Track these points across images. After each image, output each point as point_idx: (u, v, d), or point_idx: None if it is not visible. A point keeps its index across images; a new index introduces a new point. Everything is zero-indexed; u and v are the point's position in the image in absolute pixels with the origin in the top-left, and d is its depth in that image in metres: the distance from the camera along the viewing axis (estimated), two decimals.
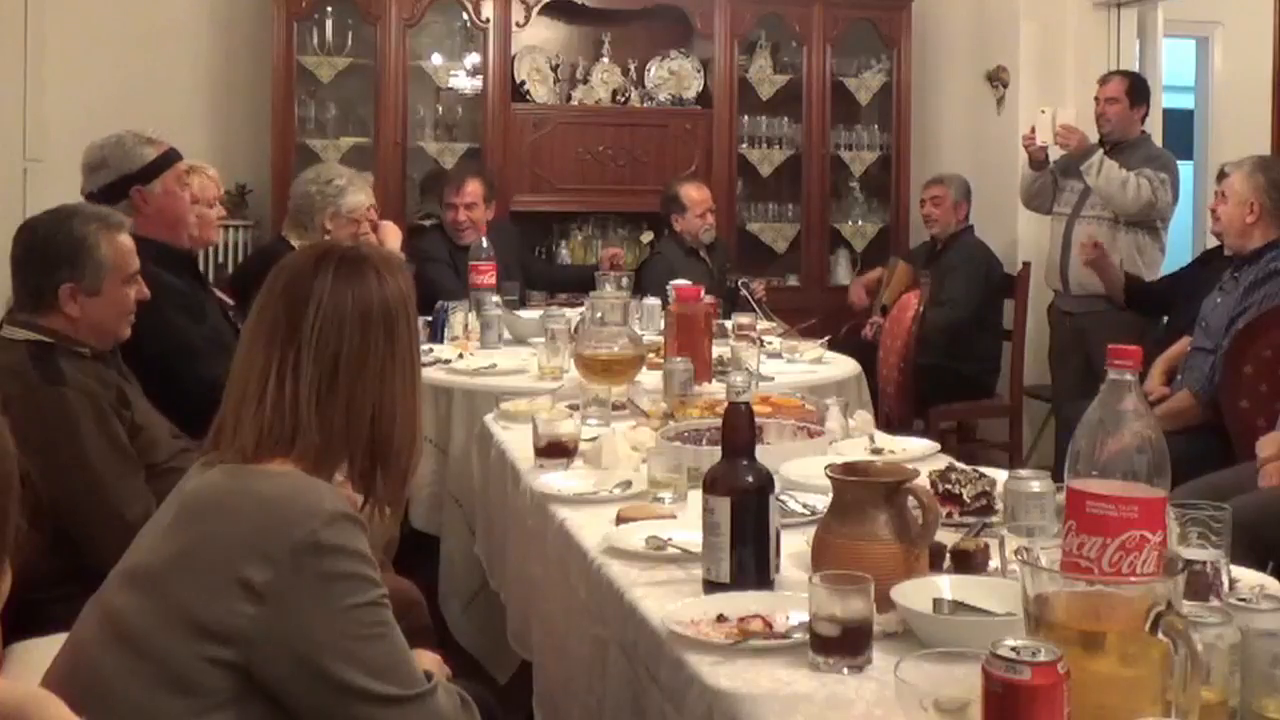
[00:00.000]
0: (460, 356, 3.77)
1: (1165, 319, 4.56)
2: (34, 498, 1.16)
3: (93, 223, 2.44)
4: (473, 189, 5.02)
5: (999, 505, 1.99)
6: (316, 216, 4.08)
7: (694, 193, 5.36)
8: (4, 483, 1.12)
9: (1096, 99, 4.97)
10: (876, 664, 1.49)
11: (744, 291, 4.69)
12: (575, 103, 5.89)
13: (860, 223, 6.28)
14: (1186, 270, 4.58)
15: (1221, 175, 4.25)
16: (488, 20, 5.64)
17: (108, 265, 2.44)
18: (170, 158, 3.16)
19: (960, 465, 2.31)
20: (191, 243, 3.40)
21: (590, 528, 2.10)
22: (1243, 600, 1.41)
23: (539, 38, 5.90)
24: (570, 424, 2.59)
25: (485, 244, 4.48)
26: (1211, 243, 4.59)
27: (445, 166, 5.69)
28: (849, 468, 1.77)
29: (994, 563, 1.76)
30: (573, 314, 3.89)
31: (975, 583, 1.66)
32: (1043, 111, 4.97)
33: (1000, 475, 2.10)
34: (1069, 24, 5.65)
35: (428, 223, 5.43)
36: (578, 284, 4.31)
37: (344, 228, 4.09)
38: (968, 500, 2.04)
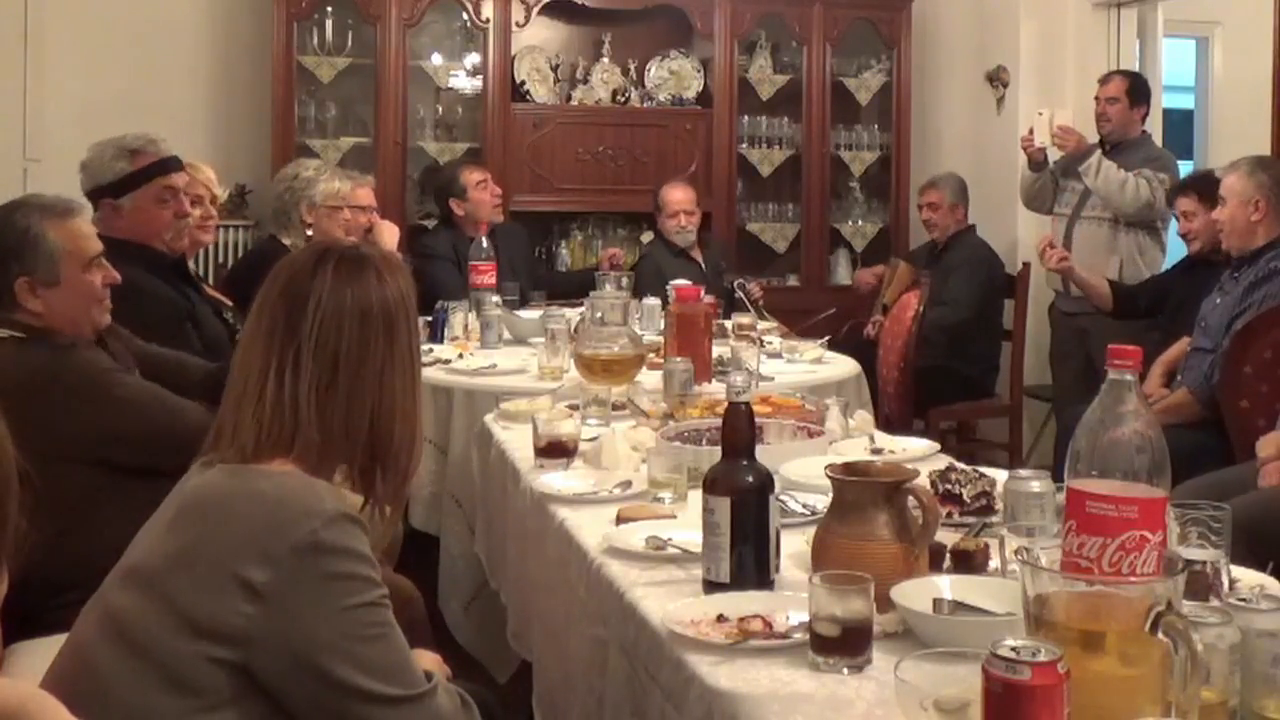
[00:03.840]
0: (460, 356, 3.77)
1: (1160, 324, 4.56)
2: (34, 498, 1.15)
3: (36, 213, 2.37)
4: (484, 170, 5.12)
5: (999, 505, 1.99)
6: (292, 213, 4.11)
7: (671, 194, 5.31)
8: (2, 485, 1.12)
9: (1097, 99, 4.97)
10: (876, 664, 1.48)
11: (740, 293, 4.69)
12: (575, 103, 5.89)
13: (860, 223, 6.28)
14: (1171, 276, 4.56)
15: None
16: (488, 20, 5.64)
17: (59, 253, 2.36)
18: (152, 171, 3.08)
19: (960, 465, 2.31)
20: (182, 248, 3.34)
21: (590, 528, 2.10)
22: (1243, 600, 1.41)
23: (539, 38, 5.90)
24: (570, 424, 2.59)
25: (485, 244, 4.48)
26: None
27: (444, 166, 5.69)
28: (849, 468, 1.77)
29: (994, 563, 1.76)
30: (573, 314, 3.89)
31: (975, 583, 1.66)
32: (1040, 113, 4.97)
33: (1000, 475, 2.10)
34: (1069, 24, 5.64)
35: (430, 222, 5.44)
36: (579, 290, 4.33)
37: (325, 217, 4.09)
38: (968, 500, 2.04)
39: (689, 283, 3.82)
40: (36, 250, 2.35)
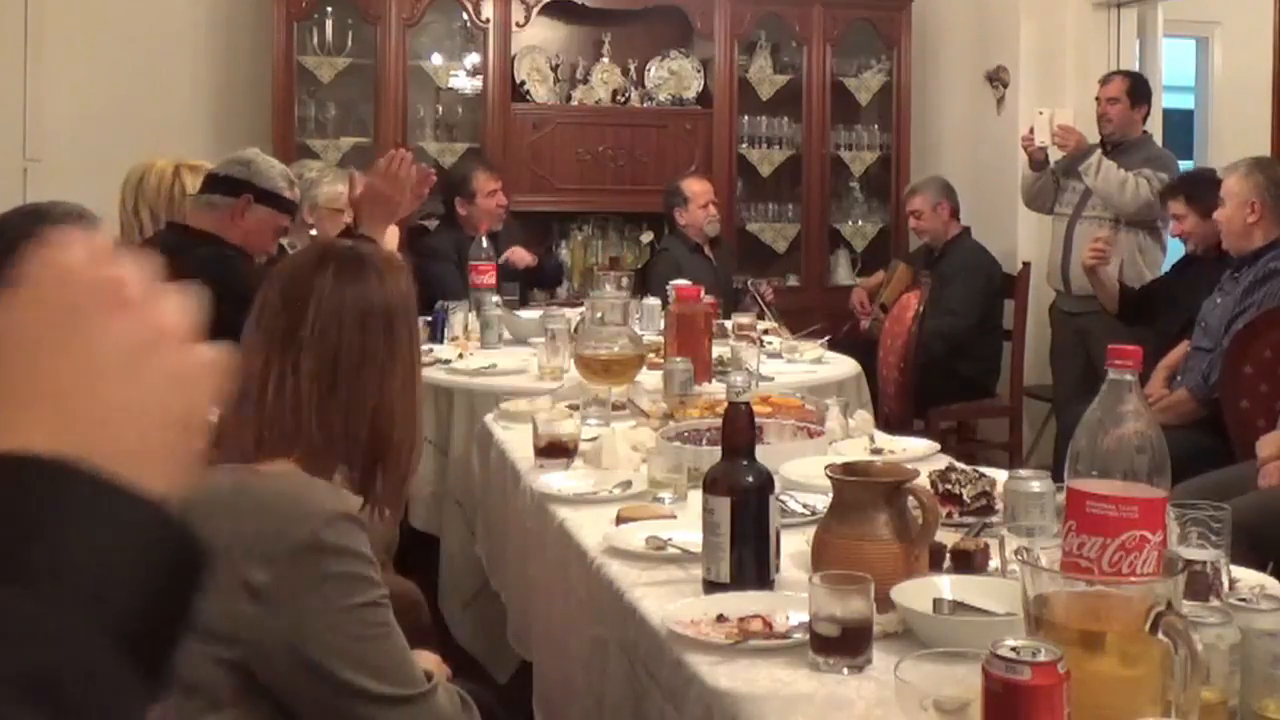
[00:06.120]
0: (460, 356, 3.77)
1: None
2: None
3: (66, 220, 2.34)
4: (497, 178, 5.12)
5: (999, 505, 1.99)
6: (295, 215, 4.12)
7: (695, 185, 5.37)
8: None
9: (1098, 99, 4.96)
10: (876, 664, 1.48)
11: (752, 292, 4.68)
12: (575, 103, 5.89)
13: (860, 223, 6.28)
14: (1167, 277, 4.56)
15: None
16: (488, 20, 5.64)
17: None
18: (292, 206, 3.31)
19: (960, 465, 2.31)
20: None
21: (590, 528, 2.10)
22: (1243, 600, 1.41)
23: (539, 38, 5.90)
24: (570, 424, 2.59)
25: (485, 243, 4.48)
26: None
27: (444, 167, 5.68)
28: (849, 468, 1.77)
29: (994, 563, 1.76)
30: (573, 314, 3.89)
31: (975, 583, 1.66)
32: (1040, 112, 4.97)
33: (1000, 475, 2.10)
34: (1069, 24, 5.64)
35: (431, 222, 5.44)
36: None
37: (326, 219, 4.10)
38: (968, 500, 2.04)
39: (689, 282, 3.82)
40: None
